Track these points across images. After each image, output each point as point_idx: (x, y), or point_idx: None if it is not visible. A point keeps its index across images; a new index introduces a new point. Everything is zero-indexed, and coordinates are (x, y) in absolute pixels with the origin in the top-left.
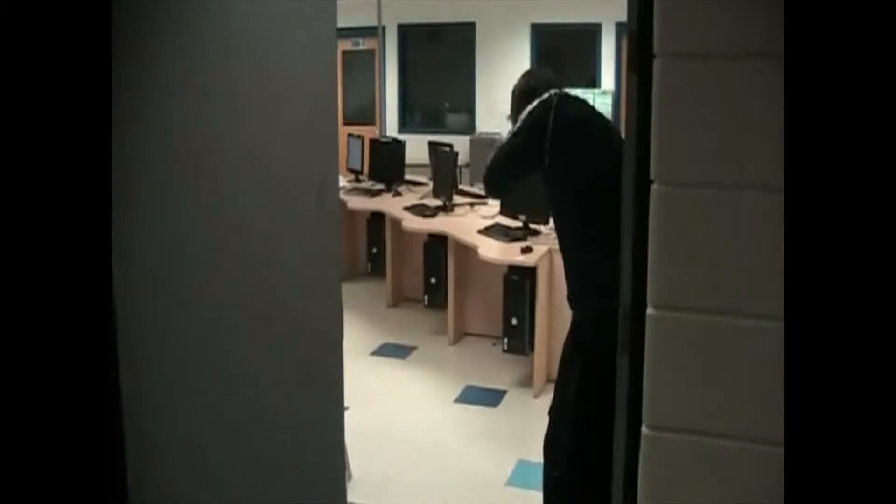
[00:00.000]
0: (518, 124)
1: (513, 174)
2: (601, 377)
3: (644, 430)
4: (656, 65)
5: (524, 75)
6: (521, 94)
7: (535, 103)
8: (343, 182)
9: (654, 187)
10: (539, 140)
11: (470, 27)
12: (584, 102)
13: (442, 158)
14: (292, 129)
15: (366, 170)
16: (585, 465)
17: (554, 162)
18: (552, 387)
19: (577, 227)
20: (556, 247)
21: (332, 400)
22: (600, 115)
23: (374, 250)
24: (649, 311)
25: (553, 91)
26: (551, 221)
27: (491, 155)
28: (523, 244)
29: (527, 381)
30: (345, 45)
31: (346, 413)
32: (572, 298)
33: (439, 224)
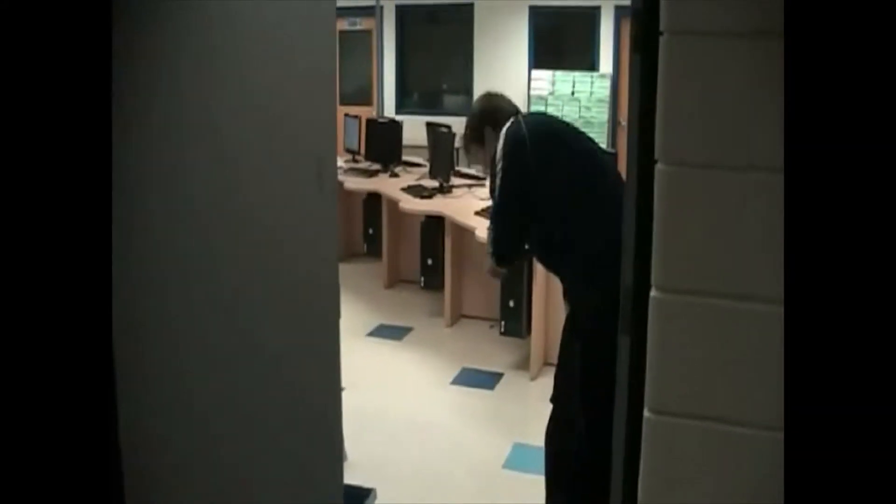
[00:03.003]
0: (497, 164)
1: (515, 219)
2: (604, 356)
3: (646, 413)
4: (663, 43)
5: (483, 97)
6: (483, 113)
7: (502, 136)
8: (340, 162)
9: (658, 167)
10: (521, 156)
11: (468, 8)
12: (546, 113)
13: (439, 139)
14: (291, 110)
15: (363, 150)
16: (600, 444)
17: (540, 167)
18: (550, 370)
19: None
20: None
21: (329, 381)
22: (567, 122)
23: (371, 231)
24: (653, 293)
25: (515, 116)
26: None
27: (487, 231)
28: None
29: (524, 364)
30: (342, 24)
31: (342, 394)
32: (564, 292)
33: (436, 205)
